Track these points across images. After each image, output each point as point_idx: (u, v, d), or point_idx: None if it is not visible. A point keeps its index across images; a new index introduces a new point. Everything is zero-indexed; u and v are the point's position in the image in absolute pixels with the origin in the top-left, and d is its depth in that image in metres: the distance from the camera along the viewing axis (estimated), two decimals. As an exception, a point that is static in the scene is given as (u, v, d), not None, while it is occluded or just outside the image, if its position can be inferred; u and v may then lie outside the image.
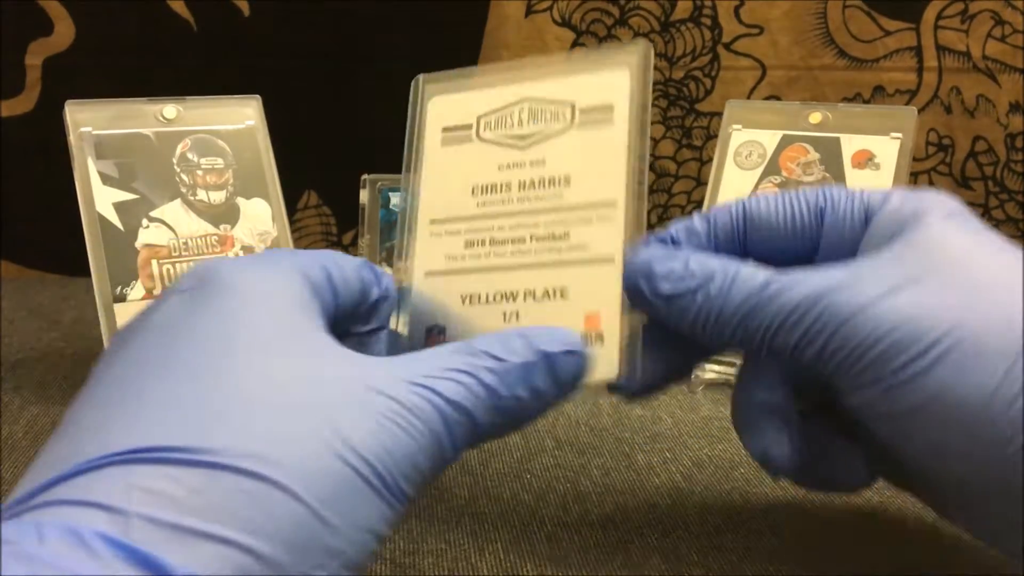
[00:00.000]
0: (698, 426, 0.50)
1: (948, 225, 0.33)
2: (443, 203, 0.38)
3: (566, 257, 0.35)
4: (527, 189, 0.36)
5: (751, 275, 0.33)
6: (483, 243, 0.36)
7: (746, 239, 0.37)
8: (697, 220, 0.37)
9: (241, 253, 0.54)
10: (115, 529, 0.23)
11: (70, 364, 0.56)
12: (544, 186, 0.36)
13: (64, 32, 0.71)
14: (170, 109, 0.54)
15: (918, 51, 0.74)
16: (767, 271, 0.33)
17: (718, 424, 0.50)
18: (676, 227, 0.37)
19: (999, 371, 0.28)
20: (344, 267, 0.33)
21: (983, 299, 0.30)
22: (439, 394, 0.28)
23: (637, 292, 0.34)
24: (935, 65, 0.74)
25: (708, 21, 0.74)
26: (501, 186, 0.37)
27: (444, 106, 0.39)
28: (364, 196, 0.59)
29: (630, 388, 0.34)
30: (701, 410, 0.52)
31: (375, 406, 0.27)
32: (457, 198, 0.37)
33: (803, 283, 0.32)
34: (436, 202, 0.38)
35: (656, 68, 0.75)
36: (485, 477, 0.44)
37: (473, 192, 0.37)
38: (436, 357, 0.30)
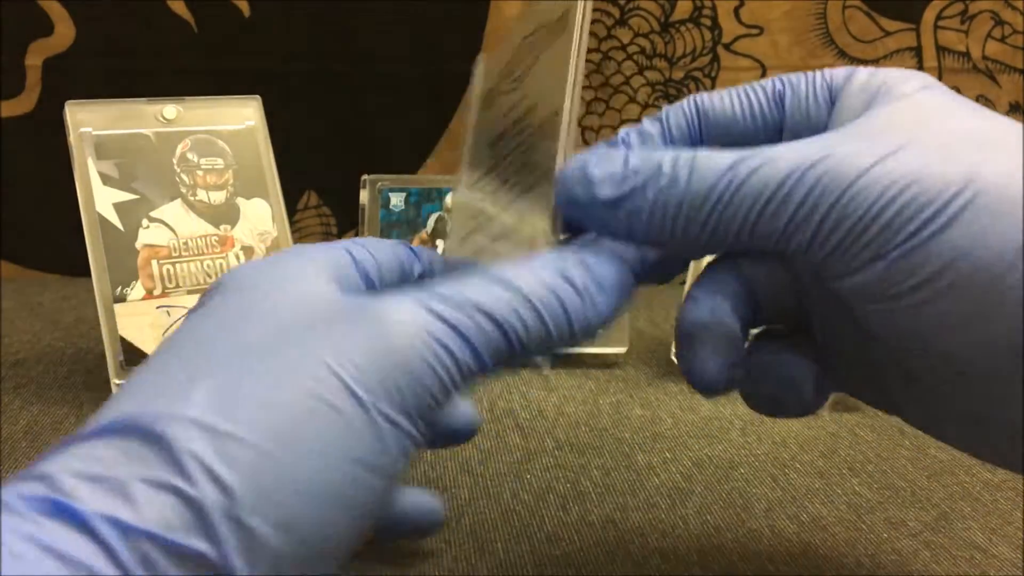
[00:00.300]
0: (698, 426, 0.50)
1: (926, 92, 0.30)
2: (476, 167, 0.36)
3: (526, 185, 0.31)
4: (516, 127, 0.33)
5: (714, 157, 0.28)
6: (489, 196, 0.34)
7: (703, 137, 0.33)
8: (647, 121, 0.34)
9: (241, 254, 0.54)
10: (39, 489, 0.23)
11: (70, 364, 0.56)
12: (524, 119, 0.33)
13: (64, 33, 0.71)
14: (170, 109, 0.54)
15: (918, 51, 0.74)
16: (731, 151, 0.28)
17: (718, 424, 0.50)
18: (626, 130, 0.34)
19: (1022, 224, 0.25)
20: (370, 246, 0.32)
21: (989, 149, 0.26)
22: (438, 294, 0.26)
23: (575, 203, 0.30)
24: (935, 65, 0.74)
25: (708, 21, 0.74)
26: (504, 132, 0.34)
27: (484, 75, 0.38)
28: (364, 196, 0.59)
29: None
30: (701, 410, 0.52)
31: (356, 328, 0.26)
32: (483, 158, 0.36)
33: (785, 155, 0.27)
34: (472, 167, 0.36)
35: (656, 68, 0.75)
36: (485, 477, 0.44)
37: (491, 146, 0.35)
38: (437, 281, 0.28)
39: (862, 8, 0.73)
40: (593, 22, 0.74)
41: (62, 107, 0.52)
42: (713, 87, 0.75)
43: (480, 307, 0.26)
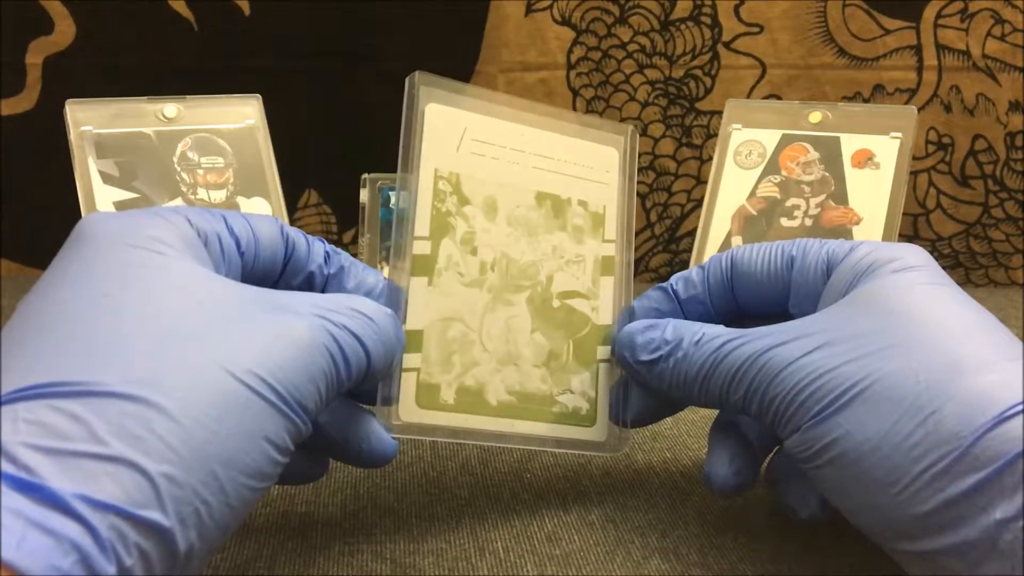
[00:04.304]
0: (698, 426, 0.50)
1: (898, 278, 0.35)
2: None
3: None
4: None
5: (712, 336, 0.37)
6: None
7: (734, 286, 0.40)
8: (695, 272, 0.41)
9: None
10: (4, 461, 0.24)
11: (71, 363, 0.56)
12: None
13: (65, 31, 0.71)
14: (171, 108, 0.54)
15: (918, 50, 0.74)
16: (727, 331, 0.36)
17: (718, 423, 0.50)
18: (675, 278, 0.41)
19: (892, 418, 0.31)
20: (252, 221, 0.35)
21: (900, 351, 0.32)
22: (329, 320, 0.31)
23: (622, 360, 0.40)
24: (935, 64, 0.74)
25: (708, 20, 0.74)
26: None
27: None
28: (364, 195, 0.59)
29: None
30: (701, 411, 0.52)
31: (267, 327, 0.30)
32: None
33: (750, 342, 0.35)
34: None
35: (656, 67, 0.75)
36: (485, 477, 0.44)
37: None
38: (336, 296, 0.33)
39: (862, 6, 0.73)
40: (593, 20, 0.74)
41: (62, 106, 0.52)
42: (713, 85, 0.75)
43: (363, 342, 0.32)
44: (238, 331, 0.29)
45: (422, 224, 0.39)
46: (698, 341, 0.37)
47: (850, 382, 0.32)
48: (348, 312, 0.32)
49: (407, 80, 0.40)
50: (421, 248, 0.39)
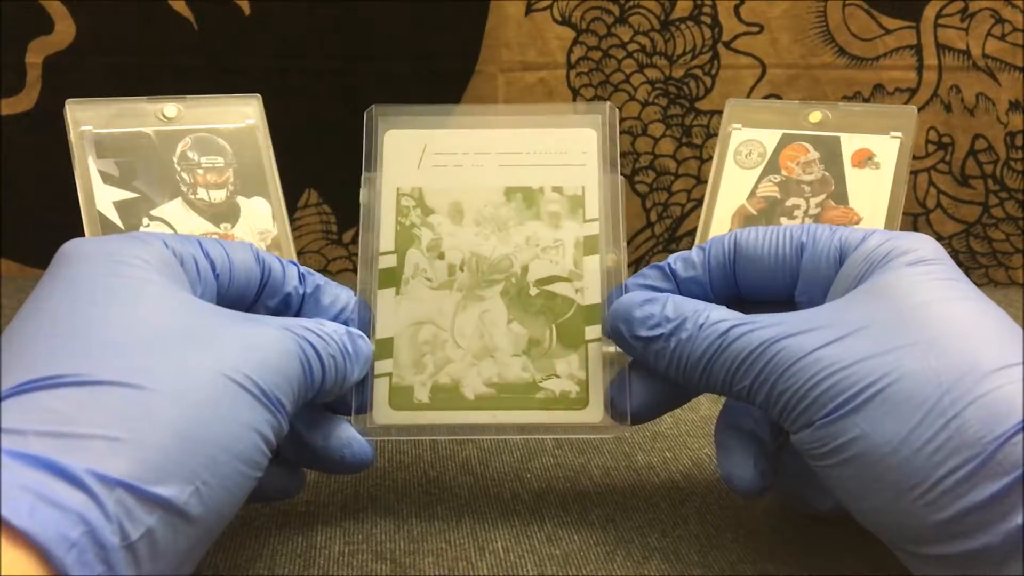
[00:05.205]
0: (698, 426, 0.50)
1: (913, 272, 0.34)
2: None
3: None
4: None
5: (717, 320, 0.35)
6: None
7: (736, 269, 0.39)
8: (695, 252, 0.40)
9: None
10: (15, 444, 0.26)
11: (71, 363, 0.56)
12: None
13: (64, 31, 0.71)
14: (170, 108, 0.54)
15: (918, 49, 0.74)
16: (733, 316, 0.35)
17: (718, 423, 0.50)
18: (673, 257, 0.40)
19: (912, 420, 0.30)
20: (228, 247, 0.37)
21: (919, 350, 0.31)
22: (294, 332, 0.34)
23: (617, 334, 0.38)
24: (935, 63, 0.74)
25: (708, 19, 0.74)
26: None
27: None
28: (364, 195, 0.59)
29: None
30: (701, 410, 0.52)
31: (245, 335, 0.32)
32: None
33: (759, 329, 0.34)
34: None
35: (656, 66, 0.75)
36: (485, 477, 0.44)
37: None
38: (284, 319, 0.35)
39: (862, 6, 0.73)
40: (593, 20, 0.74)
41: (62, 105, 0.52)
42: (713, 85, 0.75)
43: (319, 353, 0.35)
44: (220, 335, 0.32)
45: (386, 239, 0.42)
46: (703, 323, 0.35)
47: (868, 380, 0.31)
48: (307, 331, 0.35)
49: (365, 114, 0.43)
50: (386, 262, 0.41)
